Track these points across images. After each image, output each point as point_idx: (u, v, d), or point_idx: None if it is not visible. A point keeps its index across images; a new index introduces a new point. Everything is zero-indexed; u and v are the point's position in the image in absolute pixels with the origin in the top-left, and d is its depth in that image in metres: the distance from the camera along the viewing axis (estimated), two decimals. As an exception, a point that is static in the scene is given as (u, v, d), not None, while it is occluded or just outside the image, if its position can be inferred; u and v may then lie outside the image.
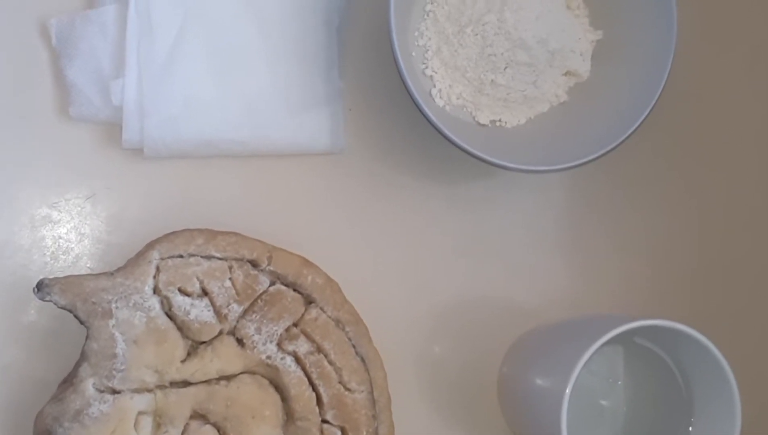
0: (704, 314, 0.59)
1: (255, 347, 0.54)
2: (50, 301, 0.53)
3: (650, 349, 0.56)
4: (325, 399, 0.54)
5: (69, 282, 0.53)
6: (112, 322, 0.52)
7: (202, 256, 0.54)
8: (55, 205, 0.60)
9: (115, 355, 0.52)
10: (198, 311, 0.54)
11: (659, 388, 0.56)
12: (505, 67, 0.59)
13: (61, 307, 0.53)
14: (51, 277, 0.53)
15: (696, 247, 0.64)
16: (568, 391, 0.49)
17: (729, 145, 0.66)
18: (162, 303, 0.54)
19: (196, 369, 0.53)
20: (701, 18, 0.65)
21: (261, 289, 0.55)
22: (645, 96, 0.57)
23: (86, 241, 0.60)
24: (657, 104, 0.57)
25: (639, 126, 0.57)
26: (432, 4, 0.61)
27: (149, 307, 0.53)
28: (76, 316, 0.53)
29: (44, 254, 0.59)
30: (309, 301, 0.55)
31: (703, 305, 0.63)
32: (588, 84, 0.62)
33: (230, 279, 0.54)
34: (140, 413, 0.52)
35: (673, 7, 0.57)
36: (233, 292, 0.54)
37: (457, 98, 0.61)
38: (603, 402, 0.57)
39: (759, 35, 0.67)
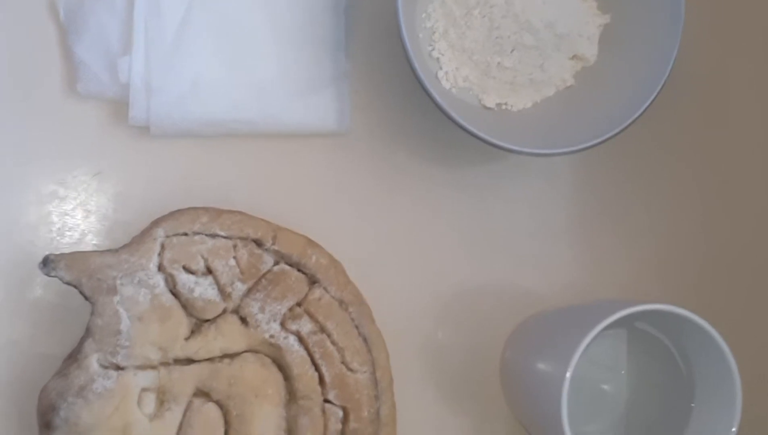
0: (709, 301, 0.59)
1: (258, 326, 0.54)
2: (55, 276, 0.53)
3: (652, 334, 0.56)
4: (327, 379, 0.54)
5: (74, 258, 0.53)
6: (116, 298, 0.53)
7: (206, 235, 0.54)
8: (61, 181, 0.60)
9: (119, 332, 0.53)
10: (202, 289, 0.54)
11: (661, 374, 0.56)
12: (512, 50, 0.59)
13: (67, 283, 0.53)
14: (57, 252, 0.53)
15: (701, 234, 0.64)
16: (568, 375, 0.49)
17: (735, 130, 0.65)
18: (166, 280, 0.54)
19: (199, 347, 0.54)
20: (709, 3, 0.65)
21: (265, 268, 0.55)
22: (651, 81, 0.57)
23: (92, 217, 0.60)
24: (663, 89, 0.57)
25: (645, 111, 0.56)
26: (440, -14, 0.61)
27: (154, 284, 0.53)
28: (81, 292, 0.53)
29: (50, 230, 0.60)
30: (313, 281, 0.56)
31: (707, 292, 0.63)
32: (595, 68, 0.62)
33: (234, 258, 0.54)
34: (143, 390, 0.53)
35: (681, -8, 0.57)
36: (237, 270, 0.54)
37: (464, 81, 0.61)
38: (604, 387, 0.57)
39: (766, 21, 0.66)
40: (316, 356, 0.54)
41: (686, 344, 0.54)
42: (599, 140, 0.56)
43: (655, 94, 0.56)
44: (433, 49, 0.61)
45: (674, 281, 0.63)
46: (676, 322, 0.51)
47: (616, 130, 0.56)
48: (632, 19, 0.60)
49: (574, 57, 0.61)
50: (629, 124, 0.56)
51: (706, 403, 0.53)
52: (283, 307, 0.54)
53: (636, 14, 0.60)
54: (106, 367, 0.52)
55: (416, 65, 0.55)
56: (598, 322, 0.49)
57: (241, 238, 0.55)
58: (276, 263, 0.55)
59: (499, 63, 0.60)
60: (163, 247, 0.54)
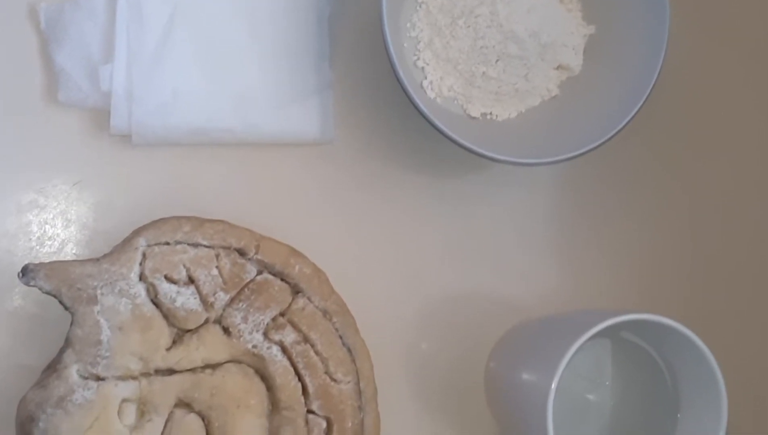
0: (693, 310, 0.59)
1: (241, 336, 0.54)
2: (35, 286, 0.52)
3: (637, 344, 0.56)
4: (310, 389, 0.54)
5: (54, 267, 0.53)
6: (97, 308, 0.52)
7: (189, 244, 0.54)
8: (41, 190, 0.59)
9: (99, 342, 0.52)
10: (184, 299, 0.53)
11: (646, 384, 0.56)
12: (497, 60, 0.59)
13: (46, 293, 0.52)
14: (36, 262, 0.53)
15: (686, 244, 0.64)
16: (554, 385, 0.49)
17: (720, 141, 0.66)
18: (148, 290, 0.53)
19: (181, 357, 0.53)
20: (694, 14, 0.65)
21: (248, 277, 0.54)
22: (636, 92, 0.57)
23: (72, 227, 0.59)
24: (648, 100, 0.57)
25: (629, 121, 0.57)
26: (425, -5, 0.61)
27: (135, 293, 0.53)
28: (61, 302, 0.52)
29: (30, 239, 0.59)
30: (296, 291, 0.55)
31: (691, 301, 0.63)
32: (579, 78, 0.62)
33: (217, 267, 0.54)
34: (124, 401, 0.52)
35: (666, 4, 0.57)
36: (220, 280, 0.54)
37: (449, 90, 0.61)
38: (589, 397, 0.57)
39: (751, 32, 0.67)
40: (300, 366, 0.54)
41: (671, 354, 0.54)
42: (583, 150, 0.56)
43: (639, 105, 0.57)
44: (418, 59, 0.61)
45: (658, 290, 0.64)
46: (661, 331, 0.51)
47: (601, 141, 0.56)
48: (617, 30, 0.60)
49: (559, 67, 0.61)
50: (614, 135, 0.56)
51: (691, 412, 0.53)
52: (266, 317, 0.54)
53: (621, 25, 0.60)
54: (86, 378, 0.52)
55: (401, 74, 0.55)
56: (583, 333, 0.49)
57: (224, 248, 0.54)
58: (259, 273, 0.55)
59: (484, 73, 0.60)
60: (144, 256, 0.54)
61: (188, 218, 0.55)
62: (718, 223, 0.65)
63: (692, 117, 0.65)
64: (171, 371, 0.53)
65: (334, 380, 0.54)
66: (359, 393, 0.55)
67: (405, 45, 0.62)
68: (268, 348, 0.54)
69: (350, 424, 0.54)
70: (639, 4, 0.59)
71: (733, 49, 0.66)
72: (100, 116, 0.60)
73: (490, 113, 0.62)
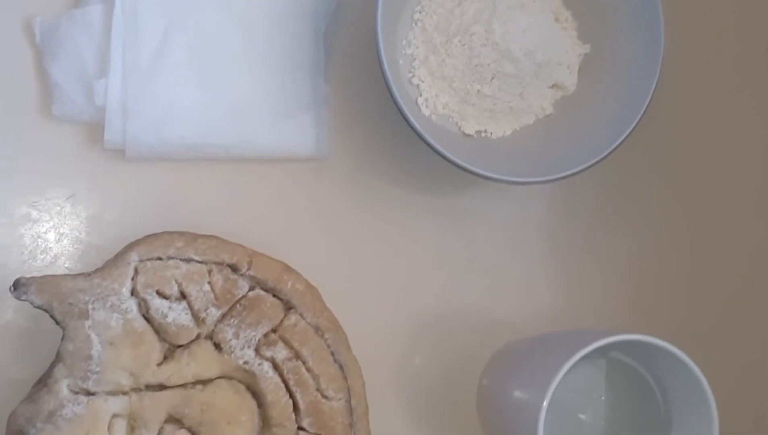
0: (685, 329, 0.59)
1: (232, 352, 0.53)
2: (26, 300, 0.52)
3: (629, 364, 0.55)
4: (301, 406, 0.54)
5: (46, 281, 0.52)
6: (88, 323, 0.52)
7: (181, 259, 0.54)
8: (35, 204, 0.59)
9: (90, 357, 0.52)
10: (176, 314, 0.53)
11: (638, 403, 0.56)
12: (492, 78, 0.59)
13: (38, 307, 0.52)
14: (28, 276, 0.53)
15: (679, 262, 0.64)
16: (545, 404, 0.49)
17: (715, 159, 0.66)
18: (139, 305, 0.53)
19: (172, 372, 0.53)
20: (688, 34, 0.65)
21: (240, 293, 0.54)
22: (631, 111, 0.57)
23: (65, 241, 0.59)
24: (642, 119, 0.57)
25: (624, 141, 0.57)
26: (420, 13, 0.61)
27: (126, 308, 0.53)
28: (52, 317, 0.52)
29: (22, 253, 0.59)
30: (288, 307, 0.55)
31: (684, 320, 0.63)
32: (574, 97, 0.62)
33: (209, 283, 0.54)
34: (114, 416, 0.52)
35: (660, 24, 0.57)
36: (212, 296, 0.54)
37: (443, 108, 0.61)
38: (582, 416, 0.57)
39: (745, 51, 0.67)
40: (291, 383, 0.54)
41: (662, 373, 0.54)
42: (577, 169, 0.56)
43: (633, 124, 0.57)
44: (413, 76, 0.61)
45: (651, 308, 0.64)
46: (651, 351, 0.51)
47: (595, 160, 0.56)
48: (612, 50, 0.61)
49: (554, 86, 0.62)
50: (608, 154, 0.56)
51: (682, 431, 0.53)
52: (257, 333, 0.54)
53: (616, 45, 0.60)
54: (76, 393, 0.52)
55: (395, 92, 0.55)
56: (574, 353, 0.49)
57: (217, 263, 0.54)
58: (251, 289, 0.55)
59: (478, 91, 0.60)
60: (136, 271, 0.53)
61: (181, 233, 0.55)
62: (712, 241, 0.65)
63: (687, 136, 0.66)
64: (162, 387, 0.53)
65: (325, 397, 0.54)
66: (350, 410, 0.55)
67: (400, 62, 0.62)
68: (259, 364, 0.53)
69: (341, 442, 0.54)
70: (634, 24, 0.59)
71: (726, 69, 0.67)
72: (94, 130, 0.60)
73: (485, 131, 0.62)
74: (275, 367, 0.54)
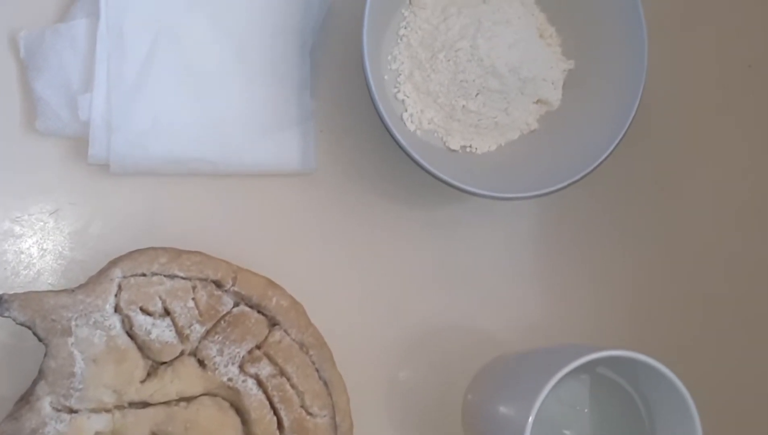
0: (673, 344, 0.59)
1: (216, 369, 0.53)
2: (9, 316, 0.52)
3: (614, 379, 0.55)
4: (286, 423, 0.53)
5: (29, 298, 0.52)
6: (71, 340, 0.52)
7: (165, 275, 0.54)
8: (17, 219, 0.59)
9: (73, 374, 0.51)
10: (159, 331, 0.53)
11: (623, 419, 0.56)
12: (477, 94, 0.60)
13: (20, 324, 0.52)
14: (11, 292, 0.52)
15: (665, 278, 0.65)
16: (530, 419, 0.49)
17: (701, 174, 0.66)
18: (123, 322, 0.53)
19: (155, 389, 0.53)
20: (672, 51, 0.66)
21: (224, 310, 0.54)
22: (615, 126, 0.58)
23: (48, 256, 0.59)
24: (626, 134, 0.57)
25: (608, 156, 0.57)
26: (406, 28, 0.62)
27: (110, 325, 0.52)
28: (34, 333, 0.52)
29: (5, 269, 0.58)
30: (273, 324, 0.55)
31: (672, 335, 0.63)
32: (559, 113, 0.62)
33: (193, 299, 0.54)
34: (97, 433, 0.52)
35: (644, 39, 0.58)
36: (196, 312, 0.53)
37: (429, 123, 0.61)
38: (567, 432, 0.57)
39: (729, 67, 0.67)
40: (275, 400, 0.53)
41: (646, 389, 0.54)
42: (562, 185, 0.56)
43: (618, 139, 0.57)
44: (399, 91, 0.61)
45: (638, 323, 0.64)
46: (635, 366, 0.51)
47: (580, 175, 0.56)
48: (596, 66, 0.61)
49: (539, 101, 0.62)
50: (593, 170, 0.57)
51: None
52: (242, 350, 0.54)
53: (600, 61, 0.61)
54: (58, 410, 0.51)
55: (381, 107, 0.55)
56: (559, 370, 0.49)
57: (201, 280, 0.54)
58: (236, 305, 0.54)
59: (463, 106, 0.60)
60: (120, 287, 0.53)
61: (165, 249, 0.55)
62: (700, 256, 0.65)
63: (672, 151, 0.66)
64: (145, 404, 0.53)
65: (310, 414, 0.54)
66: (335, 427, 0.55)
67: (386, 77, 0.62)
68: (243, 381, 0.53)
69: (326, 459, 0.54)
70: (618, 40, 0.59)
71: (710, 84, 0.67)
72: (78, 145, 0.59)
73: (470, 146, 0.62)
74: (259, 383, 0.54)
